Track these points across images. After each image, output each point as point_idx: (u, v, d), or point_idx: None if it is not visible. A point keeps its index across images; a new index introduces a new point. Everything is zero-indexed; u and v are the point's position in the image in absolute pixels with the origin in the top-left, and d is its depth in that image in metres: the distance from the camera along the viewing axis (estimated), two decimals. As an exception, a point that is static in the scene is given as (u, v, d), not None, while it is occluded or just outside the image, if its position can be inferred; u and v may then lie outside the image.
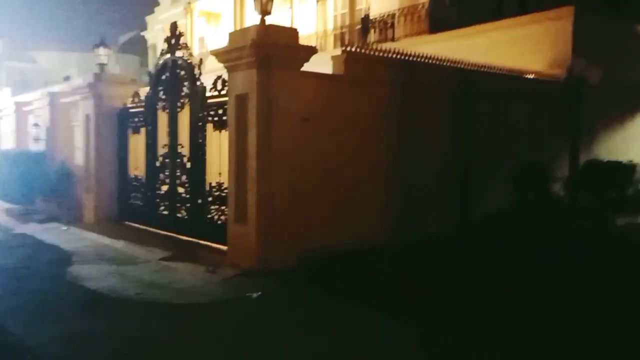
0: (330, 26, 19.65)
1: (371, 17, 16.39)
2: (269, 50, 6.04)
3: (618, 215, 9.68)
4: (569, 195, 9.77)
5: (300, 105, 6.38)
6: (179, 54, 8.35)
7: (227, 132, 7.20)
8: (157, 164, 8.89)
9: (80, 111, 10.62)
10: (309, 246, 6.42)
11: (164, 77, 8.69)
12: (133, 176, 9.64)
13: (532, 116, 9.68)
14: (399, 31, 15.78)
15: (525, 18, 10.94)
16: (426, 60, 8.06)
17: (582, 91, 10.12)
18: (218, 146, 7.47)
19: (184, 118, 8.25)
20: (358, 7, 17.84)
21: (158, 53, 27.41)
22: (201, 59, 8.01)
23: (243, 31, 6.41)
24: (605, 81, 10.40)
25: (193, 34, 23.82)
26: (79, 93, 10.36)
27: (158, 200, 8.88)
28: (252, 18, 21.29)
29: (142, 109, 9.34)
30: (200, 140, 7.82)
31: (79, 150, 10.98)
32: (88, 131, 10.07)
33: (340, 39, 18.18)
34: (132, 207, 9.63)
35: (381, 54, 7.66)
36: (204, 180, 7.76)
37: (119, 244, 8.06)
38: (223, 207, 7.34)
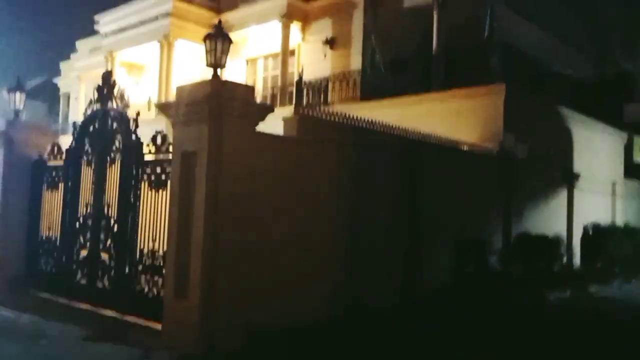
0: (259, 86, 19.54)
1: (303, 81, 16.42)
2: (224, 106, 5.57)
3: (548, 289, 9.88)
4: (504, 268, 9.86)
5: (253, 166, 5.89)
6: (110, 104, 7.64)
7: (165, 193, 6.56)
8: (77, 225, 7.90)
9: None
10: (256, 322, 5.77)
11: (91, 128, 7.88)
12: (45, 238, 8.51)
13: (471, 187, 9.79)
14: (332, 96, 15.91)
15: (458, 92, 11.33)
16: (375, 127, 7.92)
17: (513, 165, 10.47)
18: (153, 208, 6.73)
19: (113, 175, 7.44)
20: (290, 69, 17.91)
21: (72, 101, 25.91)
22: (138, 112, 7.33)
23: (194, 85, 5.90)
24: (533, 155, 10.87)
25: (113, 84, 22.68)
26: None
27: (75, 266, 7.81)
28: (180, 72, 20.83)
29: (62, 163, 8.38)
30: (132, 201, 7.03)
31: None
32: (-6, 184, 8.85)
33: (271, 100, 18.04)
34: (44, 273, 8.42)
35: (333, 118, 7.42)
36: (134, 245, 6.92)
37: (26, 318, 6.90)
38: (156, 278, 6.52)
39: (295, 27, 17.80)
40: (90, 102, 8.02)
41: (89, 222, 7.71)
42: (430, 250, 8.66)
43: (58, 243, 8.22)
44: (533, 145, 10.80)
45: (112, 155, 7.44)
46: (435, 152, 8.99)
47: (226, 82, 5.76)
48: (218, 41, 6.11)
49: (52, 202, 8.48)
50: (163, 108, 6.08)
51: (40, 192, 8.70)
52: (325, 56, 16.99)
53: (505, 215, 10.47)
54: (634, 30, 20.31)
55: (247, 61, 19.93)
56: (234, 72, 19.81)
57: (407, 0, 15.61)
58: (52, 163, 8.63)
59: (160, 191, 6.66)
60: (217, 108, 5.54)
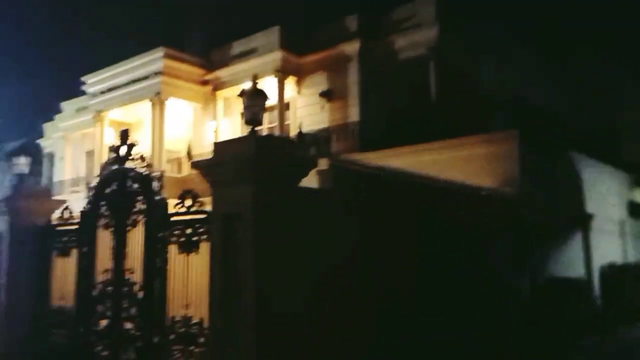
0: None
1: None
2: (271, 163, 5.31)
3: (580, 333, 9.61)
4: (533, 312, 9.58)
5: (298, 225, 5.58)
6: (129, 164, 7.32)
7: (196, 255, 6.20)
8: (95, 292, 7.40)
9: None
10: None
11: (108, 190, 7.51)
12: (57, 307, 7.95)
13: (491, 232, 9.60)
14: (334, 146, 15.84)
15: (469, 139, 11.33)
16: (404, 176, 7.75)
17: (531, 208, 10.37)
18: (184, 271, 6.33)
19: (135, 238, 7.04)
20: (286, 121, 17.89)
21: (56, 161, 25.33)
22: (163, 171, 7.03)
23: (234, 142, 5.67)
24: (549, 198, 10.82)
25: (103, 144, 22.40)
26: (-10, 208, 8.69)
27: (95, 337, 7.26)
28: (172, 129, 20.58)
29: (73, 227, 7.94)
30: (159, 265, 6.61)
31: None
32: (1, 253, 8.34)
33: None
34: (54, 346, 7.81)
35: (362, 169, 7.22)
36: (163, 313, 6.46)
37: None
38: (192, 348, 6.06)
39: (289, 80, 17.90)
40: (106, 162, 7.69)
41: (109, 289, 7.22)
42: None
43: (73, 313, 7.68)
44: (548, 188, 10.76)
45: (134, 217, 7.06)
46: (457, 198, 8.83)
47: (271, 137, 5.56)
48: (256, 98, 5.92)
49: (64, 269, 7.98)
50: (199, 167, 5.78)
51: (49, 259, 8.20)
52: (322, 108, 17.05)
53: (529, 259, 10.27)
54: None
55: (241, 115, 19.83)
56: (228, 128, 19.75)
57: (402, 52, 15.85)
58: (62, 228, 8.19)
59: (192, 253, 6.29)
60: (263, 165, 5.28)
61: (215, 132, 19.39)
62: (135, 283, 6.90)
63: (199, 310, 6.10)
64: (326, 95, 17.05)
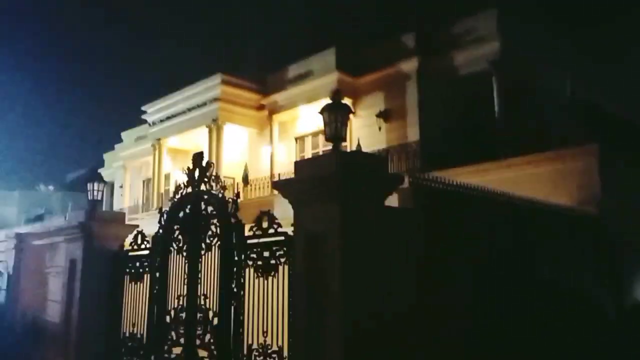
0: (310, 163, 19.29)
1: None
2: (356, 181, 5.03)
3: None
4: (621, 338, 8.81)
5: (385, 245, 5.25)
6: (203, 187, 7.21)
7: (275, 279, 5.95)
8: (167, 319, 7.25)
9: (60, 255, 8.97)
10: None
11: (182, 214, 7.42)
12: (128, 334, 7.86)
13: (576, 252, 8.96)
14: (392, 167, 15.45)
15: (539, 156, 10.71)
16: (487, 193, 7.29)
17: (617, 229, 9.63)
18: (262, 297, 6.08)
19: (210, 263, 6.86)
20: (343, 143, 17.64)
21: (116, 189, 25.97)
22: (237, 193, 6.87)
23: (317, 160, 5.45)
24: (634, 215, 10.03)
25: (161, 172, 22.85)
26: (64, 234, 8.78)
27: (167, 366, 7.09)
28: (228, 154, 20.76)
29: (145, 252, 7.87)
30: (235, 290, 6.39)
31: (53, 303, 9.10)
32: (72, 279, 8.37)
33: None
34: (126, 375, 7.71)
35: (448, 187, 6.81)
36: (240, 340, 6.21)
37: None
38: (271, 377, 5.77)
39: (345, 102, 17.71)
40: (179, 186, 7.61)
41: (182, 315, 7.06)
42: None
43: (145, 340, 7.56)
44: (633, 204, 9.99)
45: (209, 241, 6.90)
46: (545, 217, 8.27)
47: (356, 153, 5.28)
48: (337, 113, 5.69)
49: (136, 295, 7.90)
50: (280, 186, 5.57)
51: (121, 285, 8.15)
52: (380, 129, 16.75)
53: (615, 281, 9.51)
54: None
55: (296, 139, 19.82)
56: (284, 152, 19.72)
57: (462, 67, 15.43)
58: (135, 254, 8.14)
59: (270, 277, 6.05)
60: (349, 183, 5.00)
61: (271, 156, 19.36)
62: (209, 309, 6.70)
63: (277, 337, 5.82)
64: (383, 115, 16.76)
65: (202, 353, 6.68)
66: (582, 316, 8.50)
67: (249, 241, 6.39)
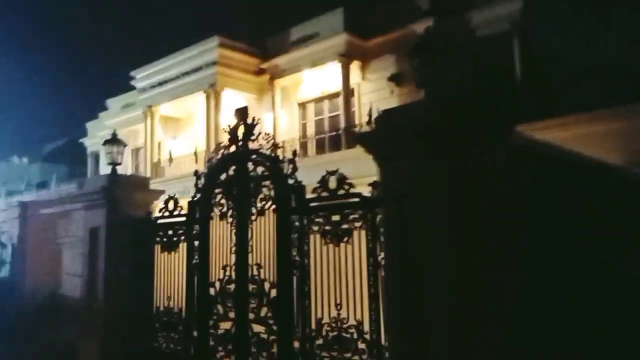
0: (312, 130, 18.61)
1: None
2: (462, 132, 4.36)
3: None
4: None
5: (486, 209, 4.62)
6: (251, 146, 6.47)
7: (348, 246, 5.32)
8: (212, 291, 6.58)
9: (77, 224, 8.16)
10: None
11: (224, 176, 6.68)
12: (163, 309, 7.17)
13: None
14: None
15: (591, 115, 10.20)
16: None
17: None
18: (332, 265, 5.45)
19: (263, 229, 6.17)
20: (352, 109, 16.97)
21: (102, 159, 24.77)
22: (295, 151, 6.16)
23: (409, 106, 4.76)
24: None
25: (154, 140, 21.83)
26: (82, 200, 7.95)
27: (214, 343, 6.44)
28: (225, 122, 19.78)
29: (180, 219, 7.12)
30: (299, 258, 5.73)
31: (71, 276, 8.31)
32: (94, 250, 7.59)
33: (329, 143, 17.12)
34: (161, 353, 7.04)
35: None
36: (306, 314, 5.59)
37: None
38: (347, 355, 5.18)
39: (353, 66, 16.94)
40: (218, 146, 6.85)
41: (230, 287, 6.39)
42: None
43: (184, 315, 6.88)
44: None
45: (260, 204, 6.20)
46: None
47: (463, 97, 4.58)
48: (425, 56, 5.00)
49: (170, 266, 7.18)
50: (364, 139, 4.87)
51: (151, 256, 7.42)
52: (392, 93, 16.06)
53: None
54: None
55: (299, 105, 19.00)
56: (285, 118, 18.91)
57: (480, 29, 14.75)
58: (167, 221, 7.39)
59: (342, 244, 5.41)
60: (453, 133, 4.34)
61: (273, 123, 18.53)
62: (265, 280, 6.05)
63: (354, 311, 5.23)
64: (396, 79, 16.04)
65: (258, 328, 6.06)
66: None
67: (312, 204, 5.73)
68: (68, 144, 38.11)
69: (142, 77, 21.94)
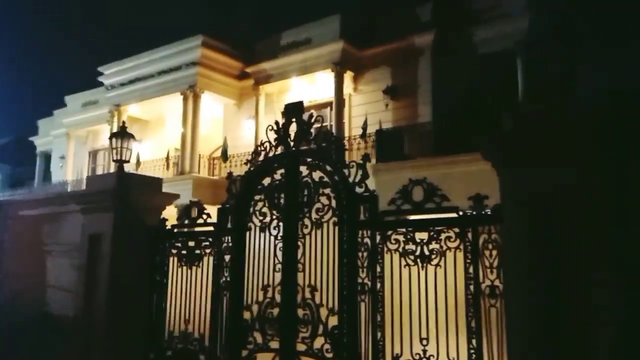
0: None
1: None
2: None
3: None
4: None
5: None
6: (306, 147, 5.58)
7: (437, 267, 4.54)
8: (247, 316, 5.58)
9: (70, 229, 6.96)
10: None
11: (269, 181, 5.74)
12: (178, 334, 6.08)
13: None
14: (406, 147, 14.24)
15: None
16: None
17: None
18: (411, 291, 4.63)
19: (314, 244, 5.28)
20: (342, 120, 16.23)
21: (53, 160, 22.95)
22: (366, 154, 5.32)
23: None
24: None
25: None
26: (79, 202, 6.75)
27: (251, 379, 5.43)
28: (204, 127, 18.67)
29: (205, 228, 6.09)
30: (370, 282, 4.87)
31: (58, 290, 7.06)
32: (94, 261, 6.42)
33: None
34: (177, 386, 5.94)
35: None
36: (379, 348, 4.72)
37: None
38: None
39: (346, 76, 16.26)
40: (260, 146, 5.92)
41: (272, 312, 5.43)
42: None
43: (207, 343, 5.83)
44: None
45: (317, 216, 5.31)
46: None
47: (620, 90, 3.86)
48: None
49: (189, 283, 6.12)
50: (485, 140, 4.09)
51: (165, 269, 6.33)
52: (387, 106, 15.47)
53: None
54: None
55: (282, 114, 18.06)
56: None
57: (483, 45, 14.45)
58: (185, 230, 6.35)
59: (427, 264, 4.61)
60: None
61: (255, 130, 17.55)
62: (321, 305, 5.14)
63: (441, 344, 4.42)
64: (391, 92, 15.49)
65: (309, 362, 5.12)
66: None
67: (388, 218, 4.90)
68: (12, 142, 35.43)
69: (112, 73, 20.47)
